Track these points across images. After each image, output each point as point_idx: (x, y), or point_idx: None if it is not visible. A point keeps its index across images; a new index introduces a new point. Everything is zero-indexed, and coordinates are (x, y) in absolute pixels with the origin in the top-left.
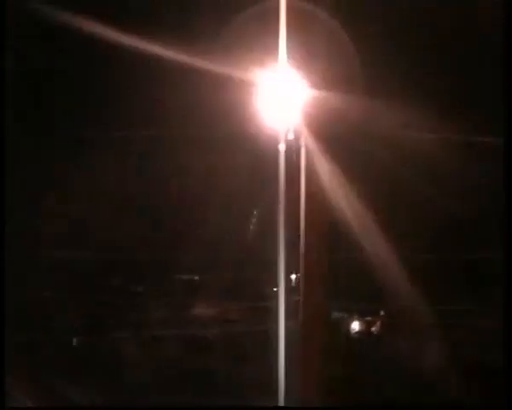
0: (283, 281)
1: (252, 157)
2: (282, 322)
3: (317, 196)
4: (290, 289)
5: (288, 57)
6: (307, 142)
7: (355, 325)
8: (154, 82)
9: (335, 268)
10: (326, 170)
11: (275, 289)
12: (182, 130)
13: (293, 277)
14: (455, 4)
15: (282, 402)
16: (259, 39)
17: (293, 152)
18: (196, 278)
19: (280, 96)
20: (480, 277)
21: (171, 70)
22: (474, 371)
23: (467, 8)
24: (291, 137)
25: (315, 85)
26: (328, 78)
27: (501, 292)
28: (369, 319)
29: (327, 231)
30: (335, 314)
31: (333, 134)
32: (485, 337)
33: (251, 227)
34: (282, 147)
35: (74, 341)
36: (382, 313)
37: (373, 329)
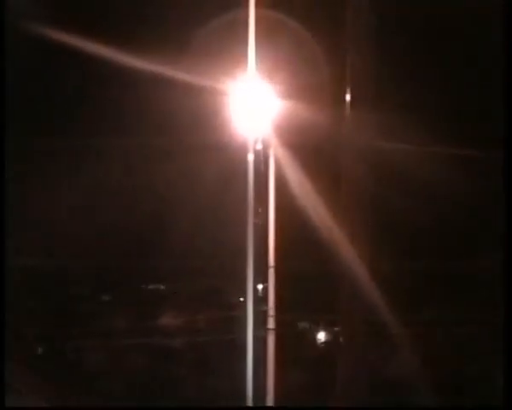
0: (251, 291)
1: (221, 167)
2: (250, 331)
3: (285, 205)
4: (257, 299)
5: (257, 67)
6: (276, 151)
7: (321, 335)
8: (125, 91)
9: (304, 278)
10: (295, 180)
11: (241, 299)
12: (152, 138)
13: (260, 287)
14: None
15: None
16: (228, 49)
17: (261, 162)
18: (162, 287)
19: (249, 105)
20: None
21: (142, 80)
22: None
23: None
24: (259, 146)
25: (284, 95)
26: (297, 88)
27: (466, 299)
28: (337, 329)
29: (295, 242)
30: (302, 325)
31: (302, 144)
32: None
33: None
34: (250, 157)
35: (39, 350)
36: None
37: (341, 339)
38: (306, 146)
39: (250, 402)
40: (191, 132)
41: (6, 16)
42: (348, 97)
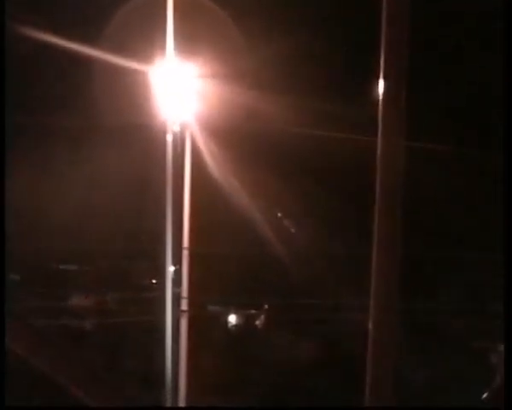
0: (170, 273)
1: (141, 148)
2: (169, 313)
3: (202, 187)
4: (172, 282)
5: (177, 49)
6: (194, 133)
7: (232, 319)
8: (44, 71)
9: (221, 262)
10: (212, 162)
11: (154, 281)
12: (71, 119)
13: (172, 269)
14: None
15: (168, 392)
16: (148, 30)
17: (178, 143)
18: (74, 267)
19: (168, 87)
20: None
21: (61, 60)
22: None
23: None
24: (177, 128)
25: (203, 77)
26: (216, 70)
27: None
28: (252, 312)
29: (212, 224)
30: (213, 308)
31: (221, 125)
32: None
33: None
34: (169, 138)
35: None
36: (266, 306)
37: (257, 322)
38: (225, 129)
39: (169, 384)
40: (110, 113)
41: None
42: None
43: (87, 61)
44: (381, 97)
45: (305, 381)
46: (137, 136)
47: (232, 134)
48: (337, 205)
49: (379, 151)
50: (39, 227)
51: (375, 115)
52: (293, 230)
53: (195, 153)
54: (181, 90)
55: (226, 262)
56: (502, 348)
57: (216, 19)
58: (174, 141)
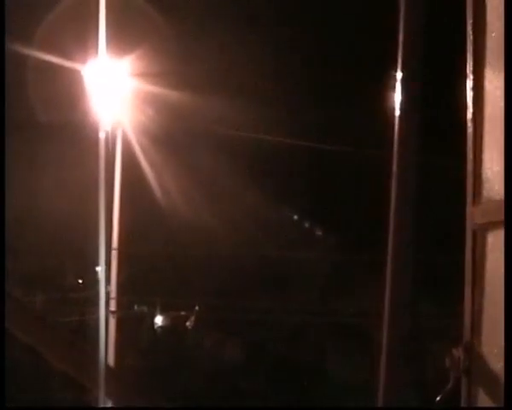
0: (103, 272)
1: (73, 145)
2: (102, 312)
3: (132, 187)
4: (97, 281)
5: (109, 48)
6: (125, 133)
7: (158, 320)
8: None
9: (151, 262)
10: (143, 161)
11: (80, 281)
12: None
13: (99, 269)
14: None
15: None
16: (81, 29)
17: (109, 142)
18: None
19: (100, 86)
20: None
21: None
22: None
23: None
24: (108, 127)
25: (135, 76)
26: (148, 69)
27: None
28: (183, 313)
29: (141, 225)
30: (140, 308)
31: (152, 124)
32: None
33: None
34: (101, 136)
35: None
36: (197, 308)
37: (187, 323)
38: (156, 128)
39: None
40: (44, 110)
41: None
42: None
43: (21, 59)
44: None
45: (229, 381)
46: (70, 134)
47: (162, 133)
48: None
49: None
50: None
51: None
52: (227, 231)
53: (126, 152)
54: (113, 89)
55: (156, 262)
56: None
57: (148, 18)
58: (106, 139)
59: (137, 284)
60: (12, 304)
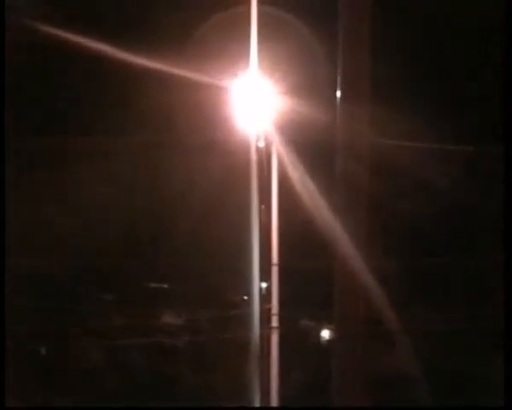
0: (257, 289)
1: (224, 165)
2: (256, 329)
3: (289, 204)
4: (261, 298)
5: (259, 64)
6: (278, 149)
7: (325, 333)
8: (125, 90)
9: (308, 276)
10: (297, 177)
11: (245, 298)
12: (153, 137)
13: (264, 285)
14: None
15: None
16: (230, 46)
17: (263, 159)
18: (165, 286)
19: (251, 103)
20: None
21: (143, 77)
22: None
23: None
24: (262, 144)
25: (285, 92)
26: (298, 85)
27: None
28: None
29: (298, 240)
30: (306, 322)
31: (303, 141)
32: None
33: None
34: (253, 154)
35: (43, 350)
36: None
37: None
38: (308, 143)
39: (257, 402)
40: (193, 130)
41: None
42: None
43: (169, 79)
44: None
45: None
46: (221, 151)
47: (315, 149)
48: None
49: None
50: (130, 248)
51: None
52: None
53: (280, 168)
54: (264, 106)
55: (313, 277)
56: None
57: (298, 33)
58: (259, 156)
59: (300, 299)
60: None
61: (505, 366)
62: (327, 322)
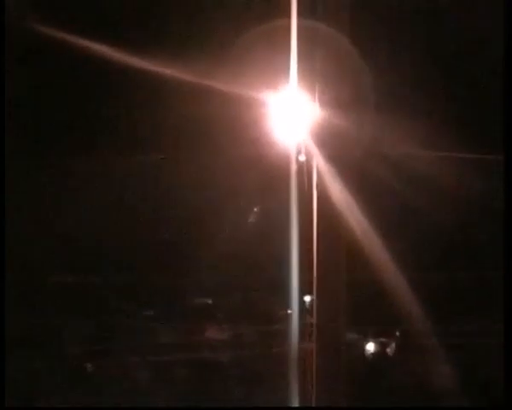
0: (297, 303)
1: (262, 178)
2: (295, 344)
3: (330, 218)
4: (304, 312)
5: (298, 77)
6: (319, 163)
7: (370, 347)
8: (159, 104)
9: (349, 290)
10: (338, 191)
11: (289, 312)
12: (190, 152)
13: (308, 299)
14: None
15: None
16: (269, 59)
17: (304, 173)
18: (209, 301)
19: (290, 117)
20: (486, 293)
21: (179, 91)
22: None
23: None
24: (302, 158)
25: (325, 106)
26: (339, 98)
27: None
28: (383, 340)
29: (341, 253)
30: (350, 336)
31: (344, 155)
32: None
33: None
34: (293, 168)
35: (89, 366)
36: (398, 333)
37: (388, 350)
38: (348, 157)
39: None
40: (231, 145)
41: (6, 17)
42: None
43: (206, 93)
44: None
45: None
46: (258, 167)
47: (355, 162)
48: None
49: None
50: (169, 263)
51: None
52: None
53: (321, 183)
54: (303, 120)
55: (358, 290)
56: None
57: (338, 46)
58: (299, 171)
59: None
60: None
61: (505, 366)
62: (372, 336)
